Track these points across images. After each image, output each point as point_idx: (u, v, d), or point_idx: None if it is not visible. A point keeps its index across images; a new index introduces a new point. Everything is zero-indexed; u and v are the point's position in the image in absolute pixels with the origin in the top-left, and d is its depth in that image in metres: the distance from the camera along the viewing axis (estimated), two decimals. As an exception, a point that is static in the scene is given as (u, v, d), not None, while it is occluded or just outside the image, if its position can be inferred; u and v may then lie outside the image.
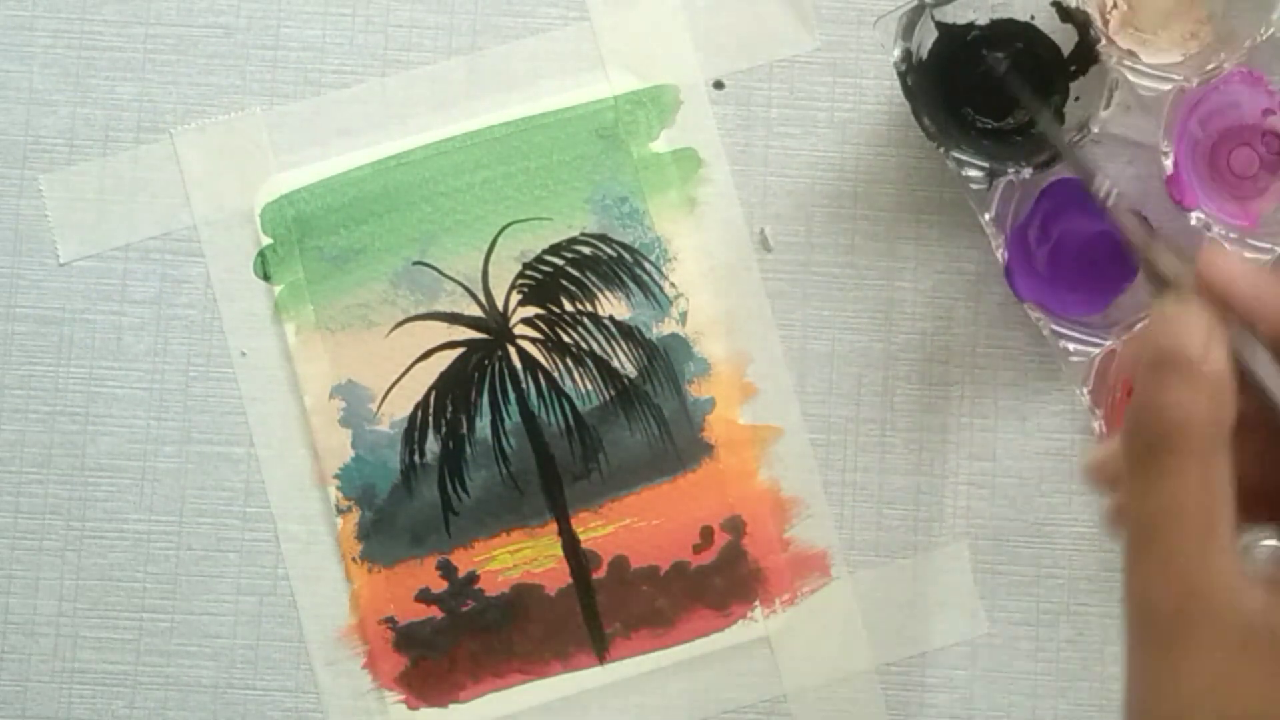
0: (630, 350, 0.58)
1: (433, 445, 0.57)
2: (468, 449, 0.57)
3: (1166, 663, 0.33)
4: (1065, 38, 0.56)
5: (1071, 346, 0.55)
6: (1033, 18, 0.56)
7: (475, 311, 0.58)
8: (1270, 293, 0.33)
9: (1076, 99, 0.56)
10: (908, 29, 0.55)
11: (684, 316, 0.58)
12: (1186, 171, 0.55)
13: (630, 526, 0.57)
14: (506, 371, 0.58)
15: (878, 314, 0.58)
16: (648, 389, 0.58)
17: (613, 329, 0.58)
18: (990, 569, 0.57)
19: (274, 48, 0.59)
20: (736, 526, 0.57)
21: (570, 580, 0.57)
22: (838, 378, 0.58)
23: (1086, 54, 0.55)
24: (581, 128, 0.58)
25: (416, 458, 0.57)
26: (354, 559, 0.57)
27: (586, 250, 0.58)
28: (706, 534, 0.57)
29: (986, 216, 0.56)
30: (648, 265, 0.58)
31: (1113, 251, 0.57)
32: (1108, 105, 0.55)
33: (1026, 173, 0.55)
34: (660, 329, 0.58)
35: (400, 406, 0.58)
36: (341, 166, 0.58)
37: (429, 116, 0.59)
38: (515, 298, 0.58)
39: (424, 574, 0.57)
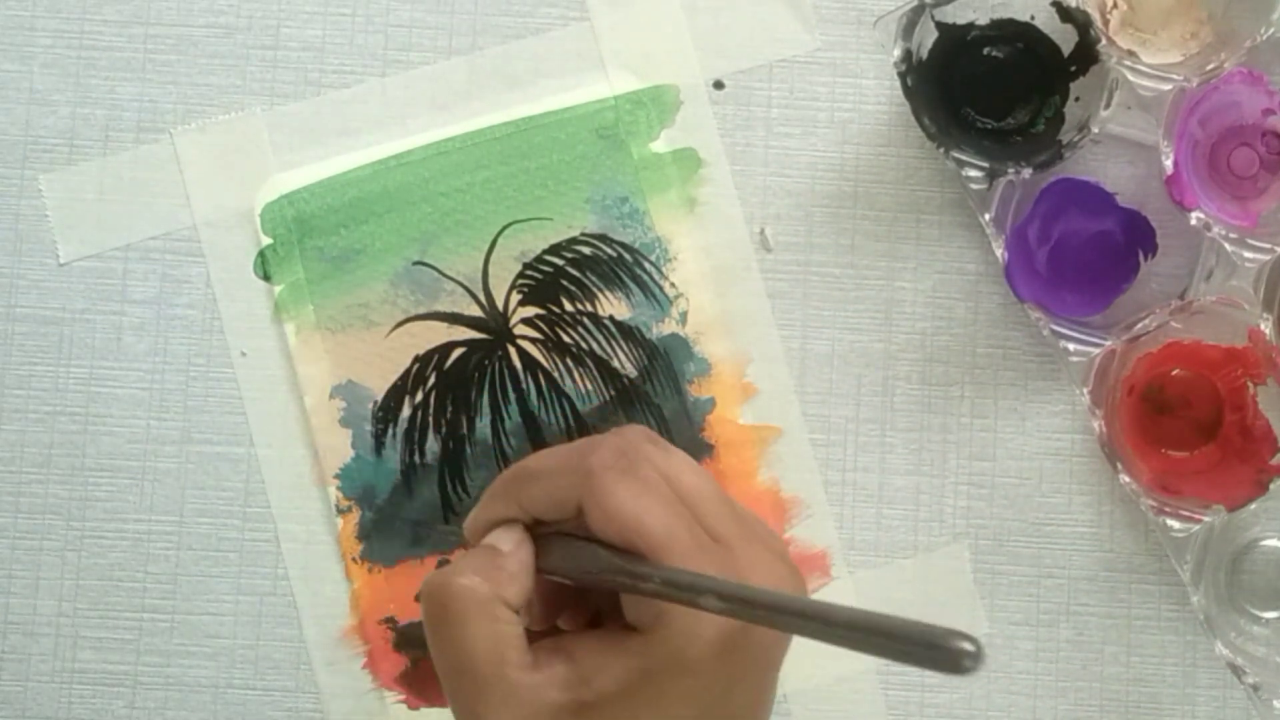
0: (630, 350, 0.58)
1: (433, 445, 0.57)
2: (468, 449, 0.57)
3: None
4: (1065, 38, 0.56)
5: (1071, 346, 0.55)
6: (1033, 18, 0.56)
7: (475, 311, 0.58)
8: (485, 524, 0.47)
9: (1076, 99, 0.56)
10: (908, 29, 0.55)
11: (684, 316, 0.58)
12: (1186, 171, 0.55)
13: (630, 526, 0.57)
14: (507, 371, 0.58)
15: (878, 314, 0.58)
16: (648, 389, 0.58)
17: (613, 329, 0.58)
18: (990, 569, 0.57)
19: (274, 48, 0.59)
20: (736, 526, 0.57)
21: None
22: (838, 378, 0.58)
23: (1086, 54, 0.55)
24: (581, 128, 0.58)
25: (416, 458, 0.57)
26: (354, 559, 0.57)
27: (586, 250, 0.58)
28: (706, 534, 0.57)
29: (986, 216, 0.56)
30: (648, 265, 0.58)
31: (1113, 251, 0.57)
32: (1108, 105, 0.55)
33: (1026, 173, 0.55)
34: (660, 329, 0.58)
35: (400, 407, 0.58)
36: (341, 166, 0.58)
37: (429, 116, 0.59)
38: (515, 298, 0.58)
39: (424, 574, 0.57)
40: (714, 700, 0.43)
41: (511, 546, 0.46)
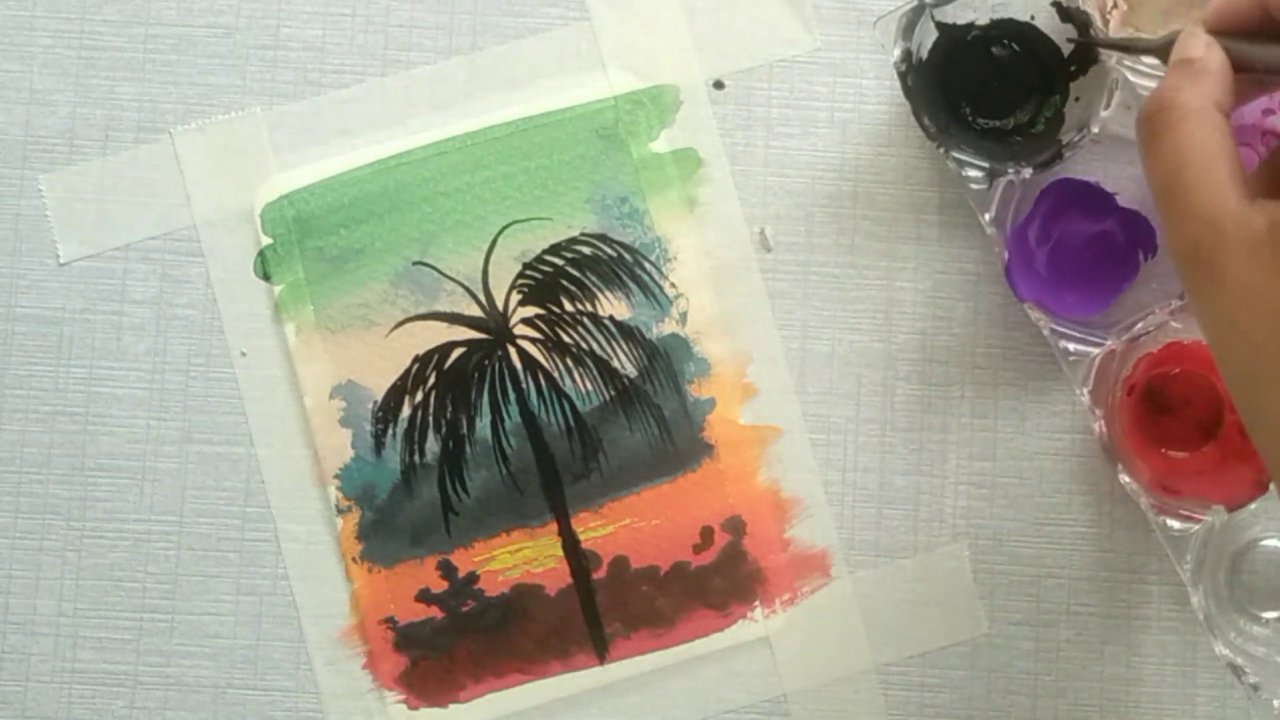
0: (630, 350, 0.58)
1: (433, 445, 0.57)
2: (468, 449, 0.57)
3: (1204, 289, 0.41)
4: (1065, 38, 0.56)
5: (1071, 346, 0.55)
6: (1033, 18, 0.56)
7: (475, 311, 0.58)
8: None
9: (1076, 99, 0.56)
10: (908, 29, 0.55)
11: (684, 316, 0.58)
12: (1186, 171, 0.55)
13: (630, 526, 0.57)
14: (506, 371, 0.58)
15: (878, 314, 0.58)
16: (648, 389, 0.58)
17: (613, 329, 0.58)
18: (990, 569, 0.57)
19: (274, 48, 0.59)
20: (736, 526, 0.57)
21: (570, 580, 0.57)
22: (838, 378, 0.58)
23: (1086, 54, 0.55)
24: (581, 128, 0.58)
25: (416, 458, 0.57)
26: (354, 559, 0.57)
27: (586, 250, 0.58)
28: (706, 534, 0.57)
29: (986, 216, 0.56)
30: (648, 265, 0.58)
31: (1113, 251, 0.57)
32: (1108, 105, 0.55)
33: (1026, 173, 0.55)
34: (660, 329, 0.58)
35: (400, 407, 0.58)
36: (341, 166, 0.58)
37: (429, 116, 0.59)
38: (515, 298, 0.58)
39: (424, 574, 0.57)
40: None
41: (1202, 50, 0.44)
